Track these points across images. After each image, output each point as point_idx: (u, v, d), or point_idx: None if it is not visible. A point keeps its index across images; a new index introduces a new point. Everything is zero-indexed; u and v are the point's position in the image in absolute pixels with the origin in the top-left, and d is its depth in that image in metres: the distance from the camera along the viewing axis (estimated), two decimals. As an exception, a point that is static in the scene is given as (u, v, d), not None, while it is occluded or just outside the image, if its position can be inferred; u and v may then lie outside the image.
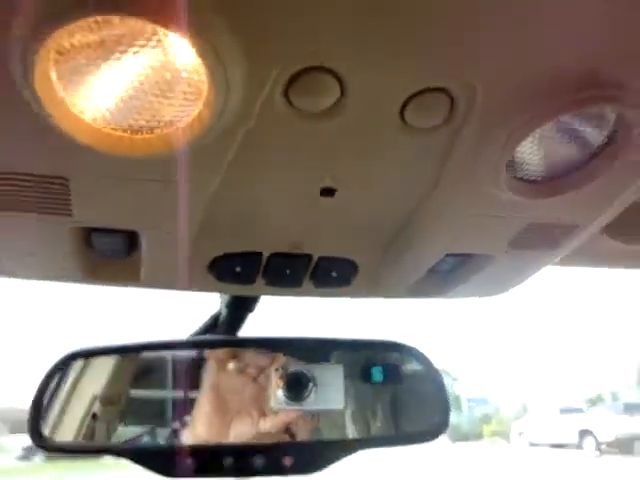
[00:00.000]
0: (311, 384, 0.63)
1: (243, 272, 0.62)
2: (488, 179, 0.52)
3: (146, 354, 0.75)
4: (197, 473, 0.66)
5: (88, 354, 0.70)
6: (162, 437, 0.69)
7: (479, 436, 22.03)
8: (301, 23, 0.39)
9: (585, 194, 0.54)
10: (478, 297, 0.72)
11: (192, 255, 0.60)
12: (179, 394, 0.71)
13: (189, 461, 0.64)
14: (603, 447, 15.37)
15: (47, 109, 0.42)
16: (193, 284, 0.67)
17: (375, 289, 0.67)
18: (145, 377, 0.75)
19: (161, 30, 0.39)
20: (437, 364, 0.66)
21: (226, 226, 0.59)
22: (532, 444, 18.16)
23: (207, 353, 0.72)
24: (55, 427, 0.69)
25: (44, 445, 0.68)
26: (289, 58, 0.42)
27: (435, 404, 0.65)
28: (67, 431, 0.70)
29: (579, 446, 16.08)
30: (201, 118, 0.43)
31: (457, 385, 24.49)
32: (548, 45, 0.43)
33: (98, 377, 0.71)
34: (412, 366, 0.65)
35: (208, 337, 0.78)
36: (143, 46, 0.41)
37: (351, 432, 0.65)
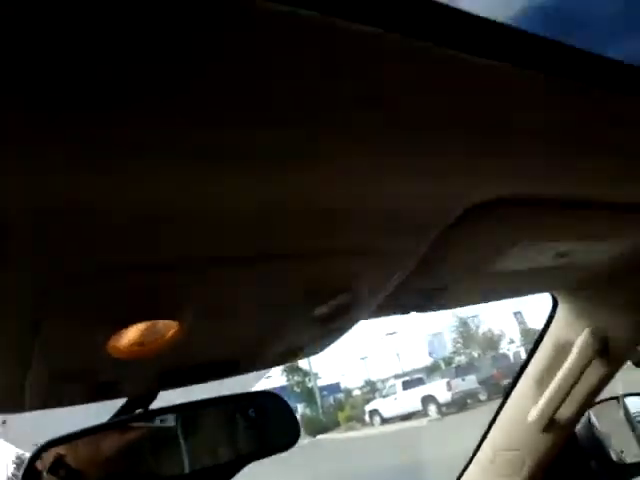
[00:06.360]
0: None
1: None
2: None
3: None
4: None
5: (62, 441, 0.77)
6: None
7: (337, 424, 22.59)
8: None
9: None
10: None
11: None
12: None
13: None
14: (444, 409, 17.14)
15: None
16: None
17: None
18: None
19: None
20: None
21: None
22: (384, 420, 19.45)
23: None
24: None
25: None
26: None
27: (288, 424, 0.89)
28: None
29: (425, 413, 17.76)
30: None
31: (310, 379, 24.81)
32: None
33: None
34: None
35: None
36: None
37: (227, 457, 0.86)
